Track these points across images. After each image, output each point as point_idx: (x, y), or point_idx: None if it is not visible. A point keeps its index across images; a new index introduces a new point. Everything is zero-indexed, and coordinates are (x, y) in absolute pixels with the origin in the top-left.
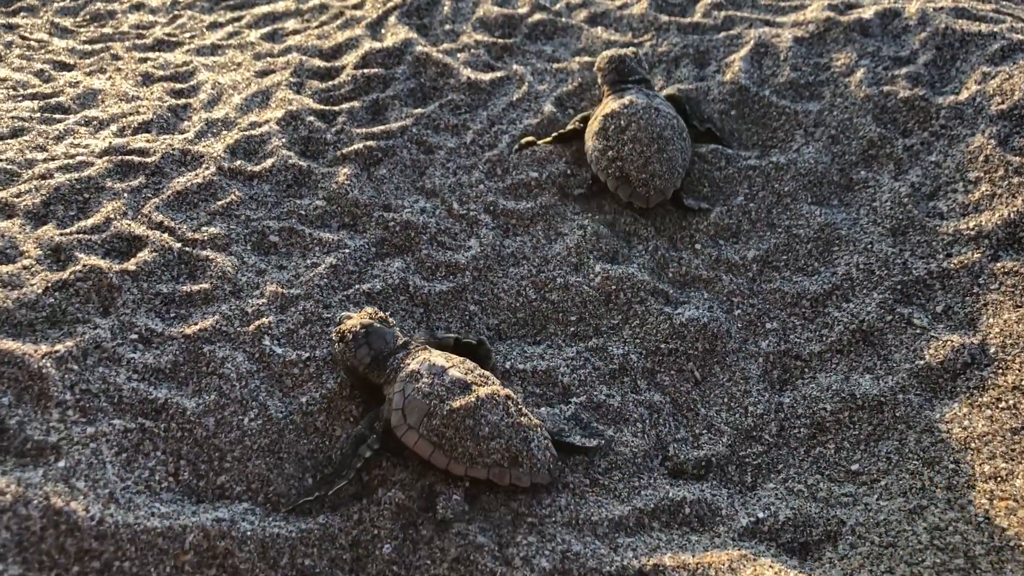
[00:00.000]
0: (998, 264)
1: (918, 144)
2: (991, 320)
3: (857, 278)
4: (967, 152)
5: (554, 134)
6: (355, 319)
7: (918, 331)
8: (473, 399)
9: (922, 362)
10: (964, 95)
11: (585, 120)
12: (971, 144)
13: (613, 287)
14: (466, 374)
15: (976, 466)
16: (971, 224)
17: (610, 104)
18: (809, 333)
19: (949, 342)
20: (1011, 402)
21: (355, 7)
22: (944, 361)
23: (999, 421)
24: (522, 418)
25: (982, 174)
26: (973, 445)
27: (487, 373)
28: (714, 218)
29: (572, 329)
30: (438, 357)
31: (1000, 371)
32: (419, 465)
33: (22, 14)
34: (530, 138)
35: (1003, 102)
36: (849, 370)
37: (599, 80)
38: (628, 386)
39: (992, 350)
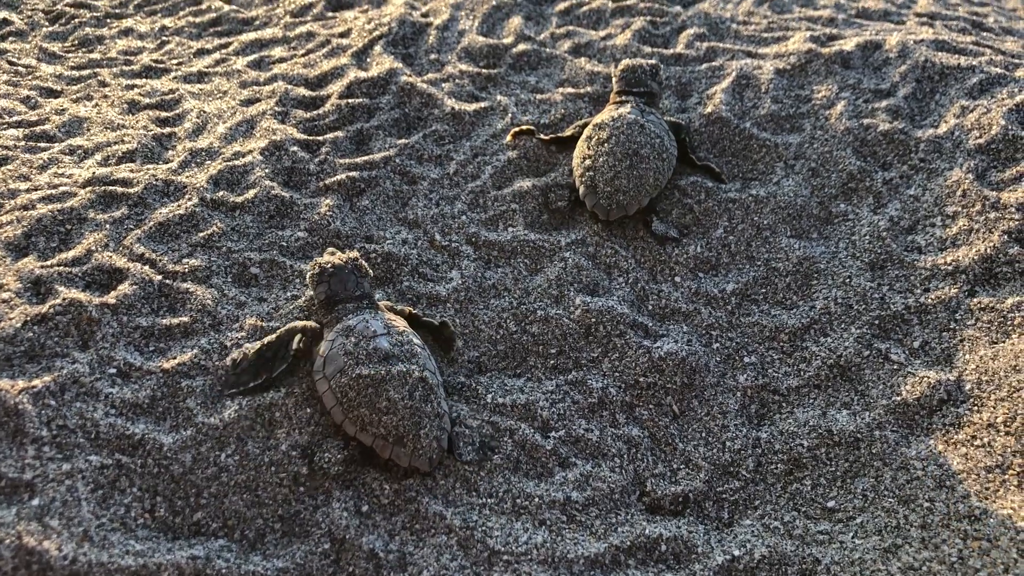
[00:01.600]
0: (974, 300)
1: (897, 177)
2: (967, 356)
3: (835, 312)
4: (945, 186)
5: (552, 135)
6: (332, 257)
7: (895, 367)
8: (383, 371)
9: (899, 398)
10: (943, 129)
11: (583, 127)
12: (949, 178)
13: (593, 320)
14: (394, 347)
15: (951, 505)
16: (948, 259)
17: (604, 114)
18: (787, 367)
19: (926, 378)
20: (986, 440)
21: (341, 36)
22: (920, 397)
23: (974, 459)
24: (425, 404)
25: (960, 208)
26: (948, 483)
27: (417, 352)
28: (694, 251)
29: (552, 362)
30: (379, 321)
31: (975, 408)
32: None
33: (10, 39)
34: (529, 127)
35: (980, 136)
36: (826, 405)
37: (613, 85)
38: (607, 420)
39: (968, 387)
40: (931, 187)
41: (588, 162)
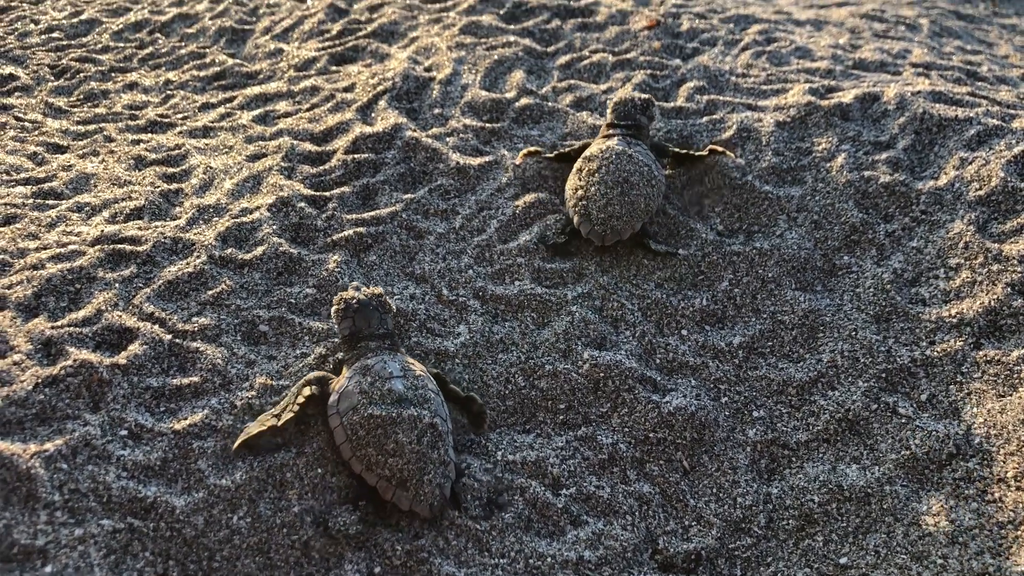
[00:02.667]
0: (980, 352)
1: (899, 230)
2: (975, 409)
3: (842, 365)
4: (947, 238)
5: (556, 152)
6: (358, 293)
7: (903, 420)
8: (394, 413)
9: (908, 452)
10: (943, 180)
11: (585, 147)
12: (951, 230)
13: (601, 374)
14: (408, 390)
15: (964, 562)
16: (953, 311)
17: (593, 147)
18: (796, 421)
19: (934, 432)
20: (997, 495)
21: (346, 90)
22: (930, 451)
23: (986, 514)
24: (432, 451)
25: (962, 260)
26: (961, 539)
27: (431, 398)
28: (700, 303)
29: (561, 417)
30: (397, 363)
31: (985, 462)
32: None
33: (17, 94)
34: (536, 148)
35: (980, 188)
36: (836, 460)
37: (607, 117)
38: (618, 476)
39: (977, 440)
40: (933, 239)
41: (580, 192)
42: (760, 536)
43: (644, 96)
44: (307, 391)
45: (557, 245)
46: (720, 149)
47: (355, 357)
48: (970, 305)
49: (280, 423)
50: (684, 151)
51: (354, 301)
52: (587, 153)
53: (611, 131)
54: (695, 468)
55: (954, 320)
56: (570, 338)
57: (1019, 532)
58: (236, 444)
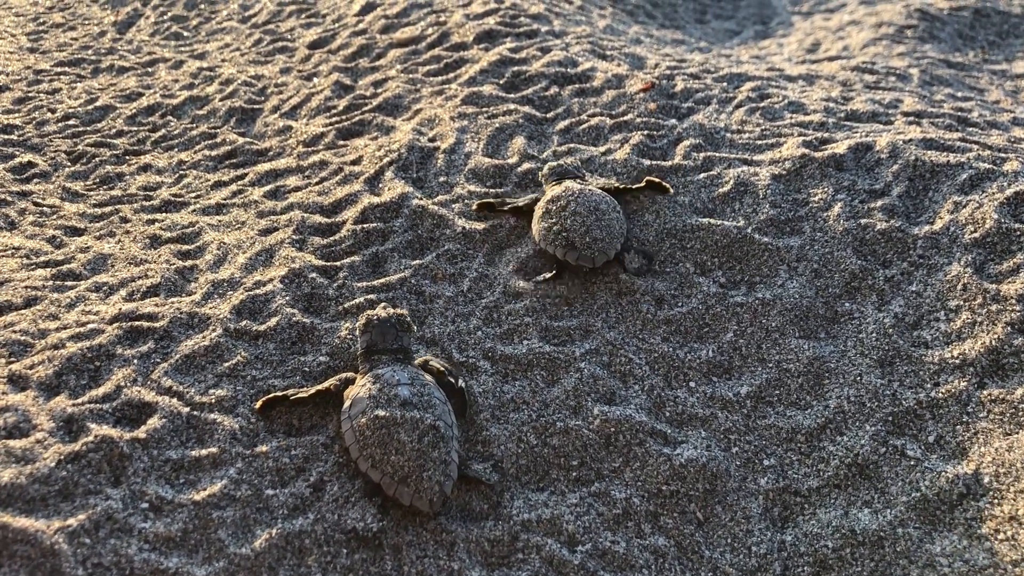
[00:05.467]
0: (984, 392)
1: (898, 275)
2: (982, 449)
3: (849, 411)
4: (945, 281)
5: (509, 205)
6: (382, 311)
7: (912, 462)
8: (397, 415)
9: (918, 494)
10: (938, 225)
11: (533, 200)
12: (949, 273)
13: (612, 429)
14: (413, 395)
15: None
16: (955, 352)
17: (550, 191)
18: (806, 468)
19: (944, 473)
20: (1009, 533)
21: (353, 163)
22: (940, 492)
23: (999, 553)
24: (432, 450)
25: (962, 302)
26: None
27: (436, 404)
28: (706, 355)
29: (574, 474)
30: (406, 373)
31: (996, 501)
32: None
33: (35, 180)
34: (490, 200)
35: (976, 231)
36: (848, 504)
37: (543, 183)
38: (632, 531)
39: (986, 480)
40: (932, 282)
41: (557, 227)
42: None
43: (572, 160)
44: (331, 383)
45: (546, 280)
46: (656, 180)
47: (368, 368)
48: (972, 345)
49: (294, 397)
50: (623, 186)
51: (375, 318)
52: (549, 196)
53: (560, 180)
54: (709, 519)
55: (957, 361)
56: (580, 395)
57: None
58: (258, 403)
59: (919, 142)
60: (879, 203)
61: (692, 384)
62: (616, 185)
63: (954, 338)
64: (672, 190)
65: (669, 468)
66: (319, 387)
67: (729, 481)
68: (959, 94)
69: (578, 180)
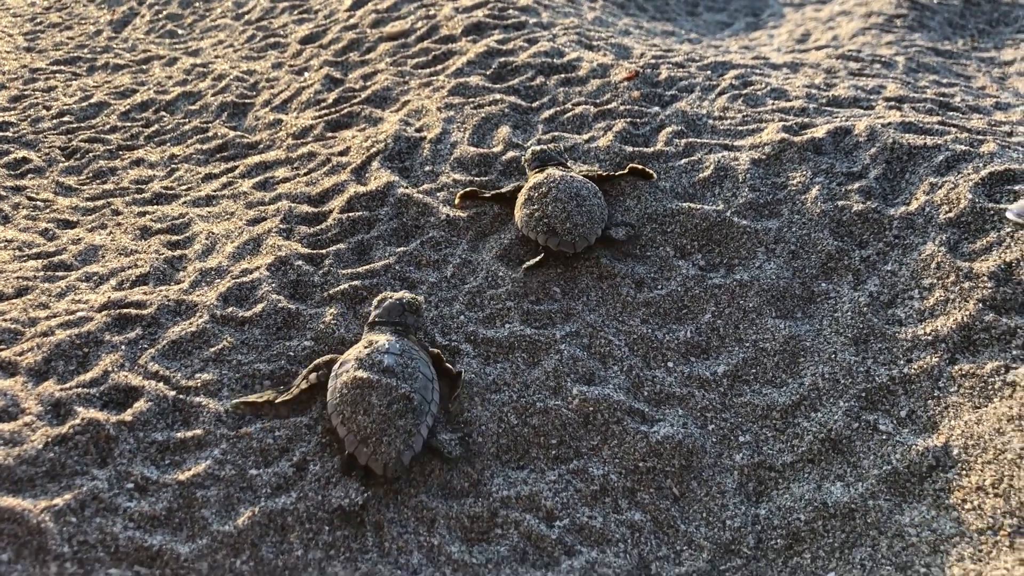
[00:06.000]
0: (956, 367)
1: (874, 255)
2: (953, 422)
3: (823, 388)
4: (920, 260)
5: (493, 192)
6: (399, 293)
7: (884, 437)
8: (374, 378)
9: (889, 467)
10: (914, 205)
11: (516, 188)
12: (923, 252)
13: (591, 409)
14: (396, 365)
15: (946, 569)
16: (928, 329)
17: (532, 178)
18: (781, 444)
19: (914, 446)
20: (975, 503)
21: (341, 154)
22: (910, 465)
23: (966, 522)
24: (399, 419)
25: (935, 280)
26: (942, 548)
27: (418, 378)
28: (684, 336)
29: (554, 452)
30: (398, 344)
31: (964, 472)
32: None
33: (30, 176)
34: (473, 189)
35: (950, 211)
36: (821, 479)
37: (526, 168)
38: (610, 506)
39: (955, 452)
40: (907, 262)
41: (538, 214)
42: (750, 557)
43: (554, 145)
44: (312, 377)
45: (532, 266)
46: (639, 167)
47: (366, 334)
48: (944, 322)
49: (277, 401)
50: (606, 173)
51: (390, 297)
52: (531, 184)
53: (543, 166)
54: (684, 494)
55: (930, 338)
56: (560, 375)
57: (998, 537)
58: (234, 402)
59: (897, 125)
60: (856, 185)
61: (670, 364)
62: (599, 173)
63: (927, 315)
64: (655, 176)
65: (646, 445)
66: (299, 386)
67: (705, 457)
68: (944, 80)
69: (560, 167)
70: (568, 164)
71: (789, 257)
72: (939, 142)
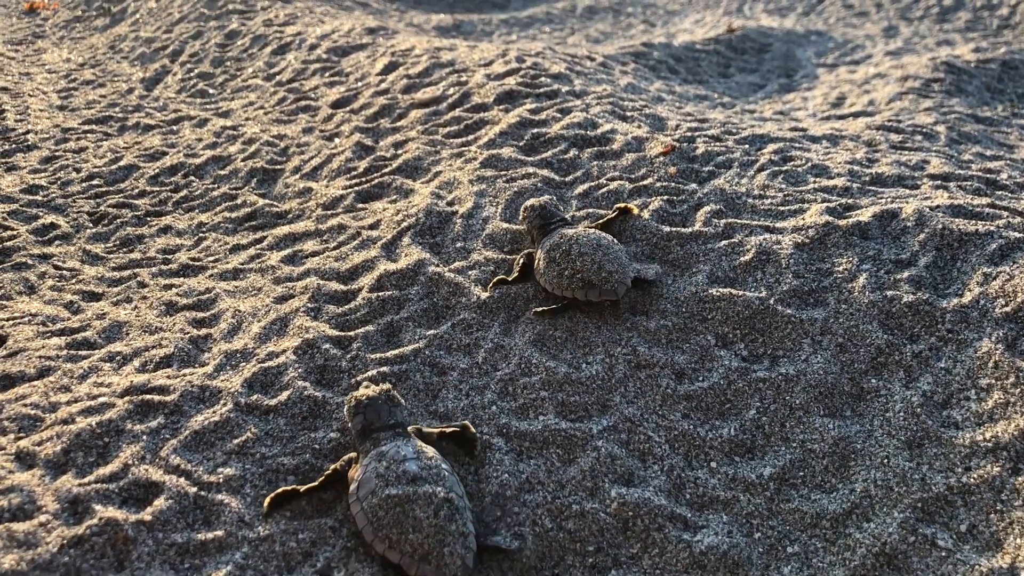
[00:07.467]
0: (1020, 478)
1: (926, 350)
2: (1019, 540)
3: (876, 495)
4: (976, 358)
5: (515, 274)
6: (367, 390)
7: (943, 553)
8: (410, 491)
9: None
10: (968, 298)
11: (529, 256)
12: (979, 349)
13: (630, 513)
14: (422, 470)
15: None
16: (987, 435)
17: (546, 244)
18: (831, 556)
19: (977, 566)
20: None
21: (371, 227)
22: None
23: None
24: (450, 524)
25: (993, 381)
26: None
27: (445, 476)
28: (728, 434)
29: (591, 560)
30: (410, 447)
31: None
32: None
33: (57, 242)
34: (503, 277)
35: (1007, 304)
36: None
37: (526, 227)
38: None
39: (1023, 574)
40: (962, 359)
41: (568, 272)
42: None
43: (547, 197)
44: (336, 466)
45: (550, 311)
46: (626, 207)
47: (370, 447)
48: (1005, 428)
49: (303, 490)
50: (601, 221)
51: (364, 398)
52: (548, 246)
53: (547, 229)
54: None
55: (989, 444)
56: (597, 475)
57: None
58: (266, 503)
59: (946, 208)
60: (906, 274)
61: (713, 464)
62: (596, 222)
63: (986, 419)
64: (638, 211)
65: (689, 556)
66: (327, 472)
67: (751, 570)
68: (988, 152)
69: (564, 223)
70: (568, 217)
71: (837, 350)
72: (991, 228)
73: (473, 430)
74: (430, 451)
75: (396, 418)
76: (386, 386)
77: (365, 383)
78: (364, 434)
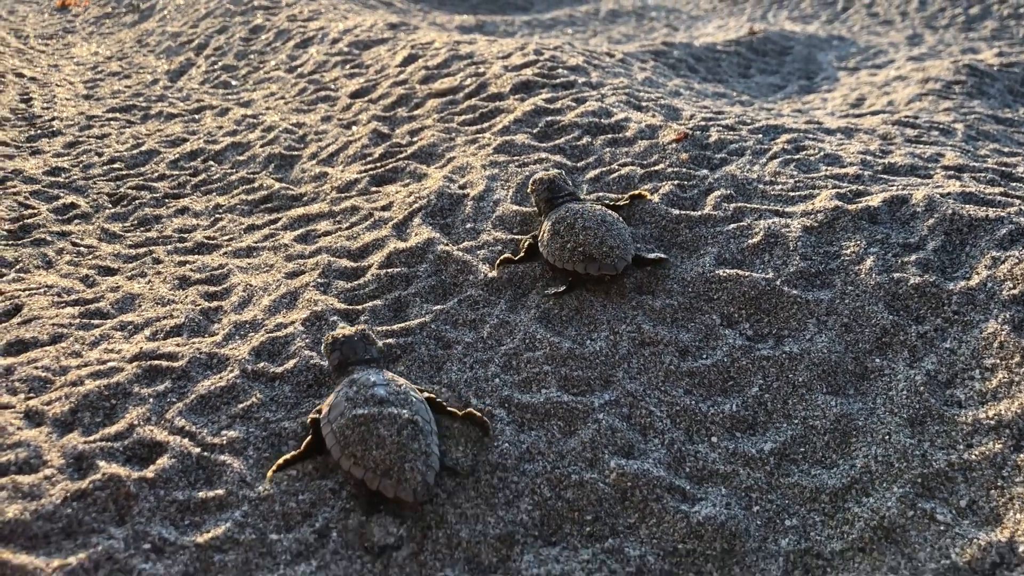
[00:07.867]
0: (1021, 455)
1: (931, 331)
2: (1018, 515)
3: (876, 471)
4: (981, 338)
5: (521, 254)
6: (344, 330)
7: (942, 527)
8: (375, 411)
9: (948, 562)
10: (975, 280)
11: (535, 237)
12: (985, 330)
13: (629, 484)
14: (390, 394)
15: None
16: (990, 413)
17: (552, 216)
18: (829, 530)
19: (975, 540)
20: None
21: (383, 209)
22: (971, 561)
23: None
24: (412, 442)
25: (998, 361)
26: None
27: (412, 401)
28: (730, 410)
29: (588, 529)
30: (381, 375)
31: None
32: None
33: (76, 221)
34: (508, 256)
35: (1014, 287)
36: (872, 570)
37: (534, 200)
38: None
39: (1021, 548)
40: (967, 340)
41: (571, 244)
42: None
43: (557, 171)
44: (313, 415)
45: (558, 293)
46: (638, 192)
47: (344, 378)
48: (1008, 406)
49: (295, 453)
50: (611, 202)
51: (340, 335)
52: (554, 219)
53: (555, 203)
54: None
55: (992, 422)
56: (597, 447)
57: None
58: (269, 472)
59: (957, 195)
60: (913, 257)
61: (714, 439)
62: (607, 203)
63: (989, 398)
64: (650, 196)
65: (686, 526)
66: (310, 420)
67: (748, 541)
68: (1006, 149)
69: (573, 198)
70: (579, 195)
71: (841, 330)
72: (1002, 214)
73: (479, 414)
74: (402, 381)
75: (371, 354)
76: (361, 327)
77: (341, 326)
78: (340, 368)
